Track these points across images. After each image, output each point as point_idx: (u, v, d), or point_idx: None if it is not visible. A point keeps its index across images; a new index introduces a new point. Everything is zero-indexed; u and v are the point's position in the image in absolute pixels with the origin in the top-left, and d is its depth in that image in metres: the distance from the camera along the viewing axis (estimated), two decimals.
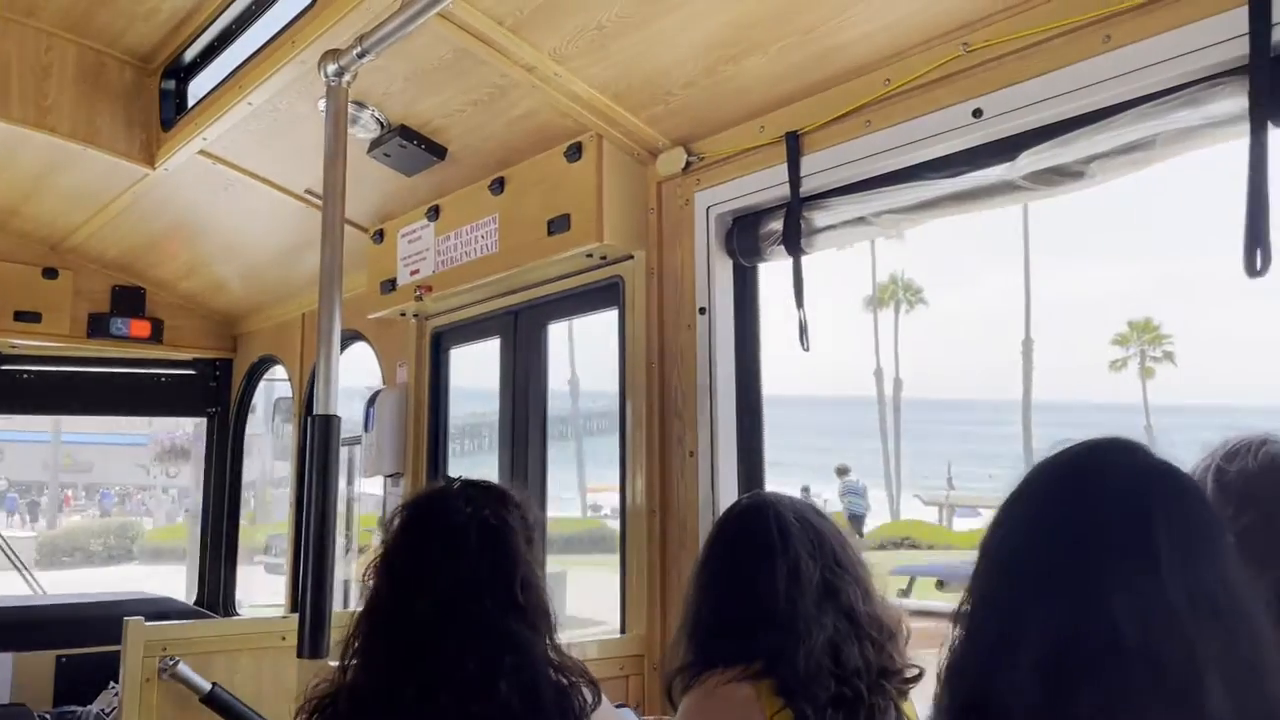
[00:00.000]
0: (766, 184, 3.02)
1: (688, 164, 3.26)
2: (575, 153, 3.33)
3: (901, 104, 2.67)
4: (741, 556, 2.08)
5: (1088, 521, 1.18)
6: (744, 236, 3.15)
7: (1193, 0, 2.09)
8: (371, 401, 4.50)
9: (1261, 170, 2.04)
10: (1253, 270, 2.04)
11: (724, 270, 3.23)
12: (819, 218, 2.93)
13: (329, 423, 2.75)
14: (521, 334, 3.97)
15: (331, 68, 2.85)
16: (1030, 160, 2.41)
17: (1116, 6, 2.20)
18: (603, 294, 3.58)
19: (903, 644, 1.99)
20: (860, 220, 2.86)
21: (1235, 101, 2.08)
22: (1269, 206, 2.03)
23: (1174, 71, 2.16)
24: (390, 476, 4.47)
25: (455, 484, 2.13)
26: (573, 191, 3.35)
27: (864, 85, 2.73)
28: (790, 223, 2.95)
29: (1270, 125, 2.04)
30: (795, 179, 2.91)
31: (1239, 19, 2.03)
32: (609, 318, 3.57)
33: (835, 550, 2.03)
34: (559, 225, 3.38)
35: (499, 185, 3.61)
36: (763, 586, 1.97)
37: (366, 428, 4.49)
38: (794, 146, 2.91)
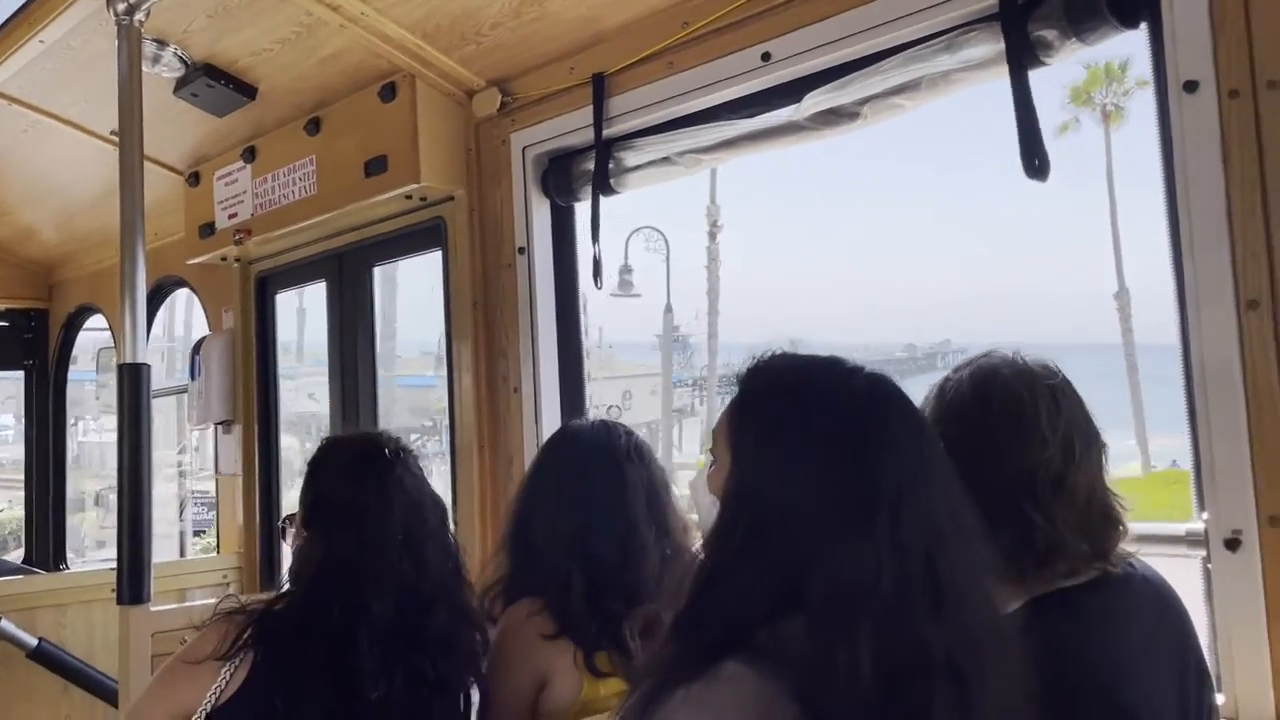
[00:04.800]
0: (578, 124, 3.09)
1: (503, 104, 3.29)
2: (389, 93, 3.31)
3: (699, 47, 2.77)
4: (531, 487, 2.27)
5: (830, 448, 1.21)
6: (559, 176, 3.22)
7: None
8: (197, 349, 4.41)
9: (1028, 106, 2.21)
10: (1037, 175, 2.18)
11: (541, 210, 3.30)
12: (629, 157, 3.03)
13: (138, 371, 2.72)
14: (347, 277, 3.95)
15: (121, 5, 2.76)
16: (813, 102, 2.56)
17: None
18: (426, 235, 3.60)
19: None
20: (666, 160, 2.97)
21: (989, 47, 2.26)
22: (1040, 135, 2.19)
23: (936, 18, 2.32)
24: (221, 424, 4.41)
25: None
26: (389, 132, 3.34)
27: (664, 28, 2.82)
28: (599, 163, 3.04)
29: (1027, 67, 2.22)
30: (602, 119, 2.99)
31: None
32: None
33: (603, 500, 2.13)
34: (376, 166, 3.37)
35: (314, 126, 3.56)
36: (538, 528, 2.17)
37: (193, 375, 4.40)
38: (601, 88, 2.98)
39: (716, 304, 30.89)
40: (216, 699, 1.92)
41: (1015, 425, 1.56)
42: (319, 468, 2.16)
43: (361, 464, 2.10)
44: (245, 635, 1.93)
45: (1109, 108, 33.92)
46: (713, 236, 29.39)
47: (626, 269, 25.58)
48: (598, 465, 2.15)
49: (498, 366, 3.38)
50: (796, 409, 1.27)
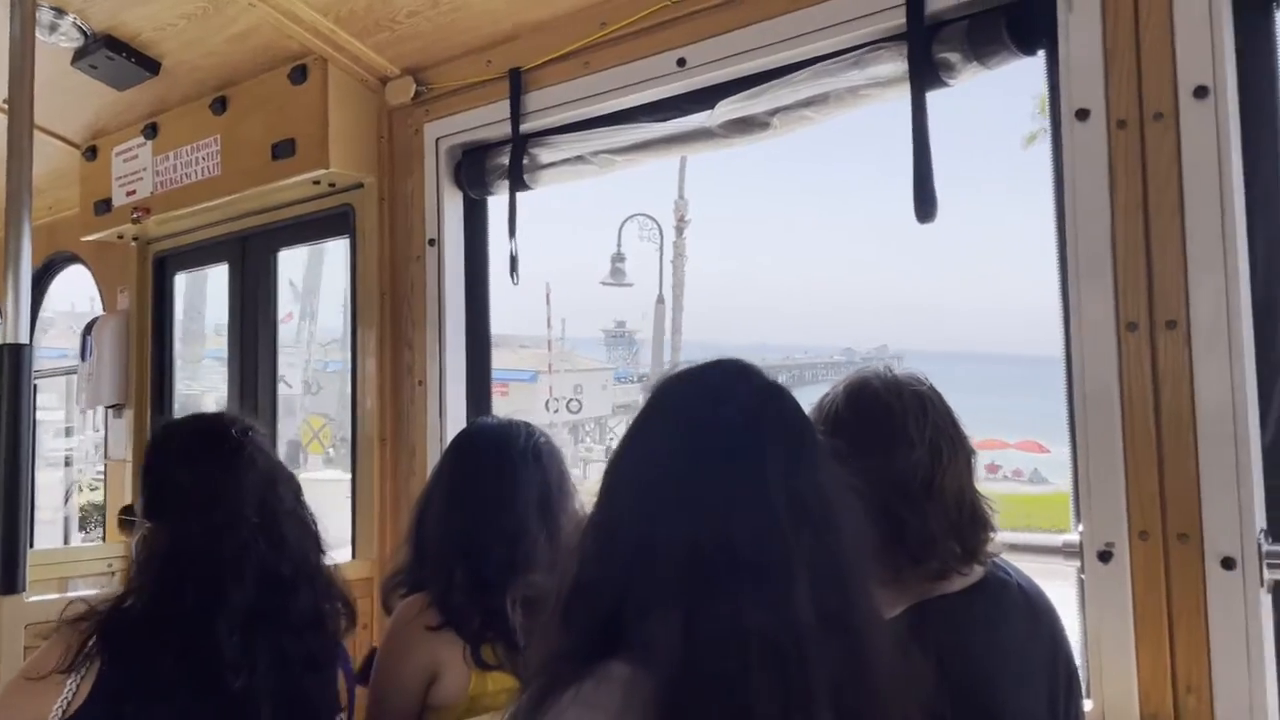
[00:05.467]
0: (493, 118, 3.07)
1: (417, 93, 3.25)
2: (300, 75, 3.24)
3: (616, 49, 2.77)
4: (429, 484, 2.28)
5: (708, 439, 1.25)
6: (472, 169, 3.19)
7: None
8: (88, 329, 4.25)
9: (922, 128, 2.27)
10: (923, 217, 2.28)
11: (454, 202, 3.27)
12: (543, 154, 3.02)
13: (19, 352, 2.60)
14: (250, 261, 3.86)
15: None
16: (725, 109, 2.58)
17: None
18: (333, 222, 3.53)
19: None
20: (580, 159, 2.97)
21: (895, 65, 2.31)
22: (931, 160, 2.28)
23: (846, 34, 2.36)
24: (111, 408, 4.25)
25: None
26: (298, 115, 3.27)
27: (582, 27, 2.82)
28: (514, 158, 3.02)
29: (928, 87, 2.27)
30: (518, 115, 2.98)
31: None
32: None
33: (476, 502, 2.14)
34: (284, 150, 3.29)
35: (220, 105, 3.46)
36: (429, 525, 2.18)
37: (83, 356, 4.24)
38: (518, 83, 2.97)
39: (681, 299, 30.61)
40: (63, 714, 1.81)
41: (885, 430, 1.63)
42: (158, 454, 2.06)
43: (206, 445, 2.01)
44: (89, 643, 1.82)
45: None
46: (679, 231, 28.99)
47: (619, 257, 23.44)
48: (490, 465, 2.16)
49: (403, 359, 3.34)
50: (651, 407, 1.33)
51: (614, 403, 33.07)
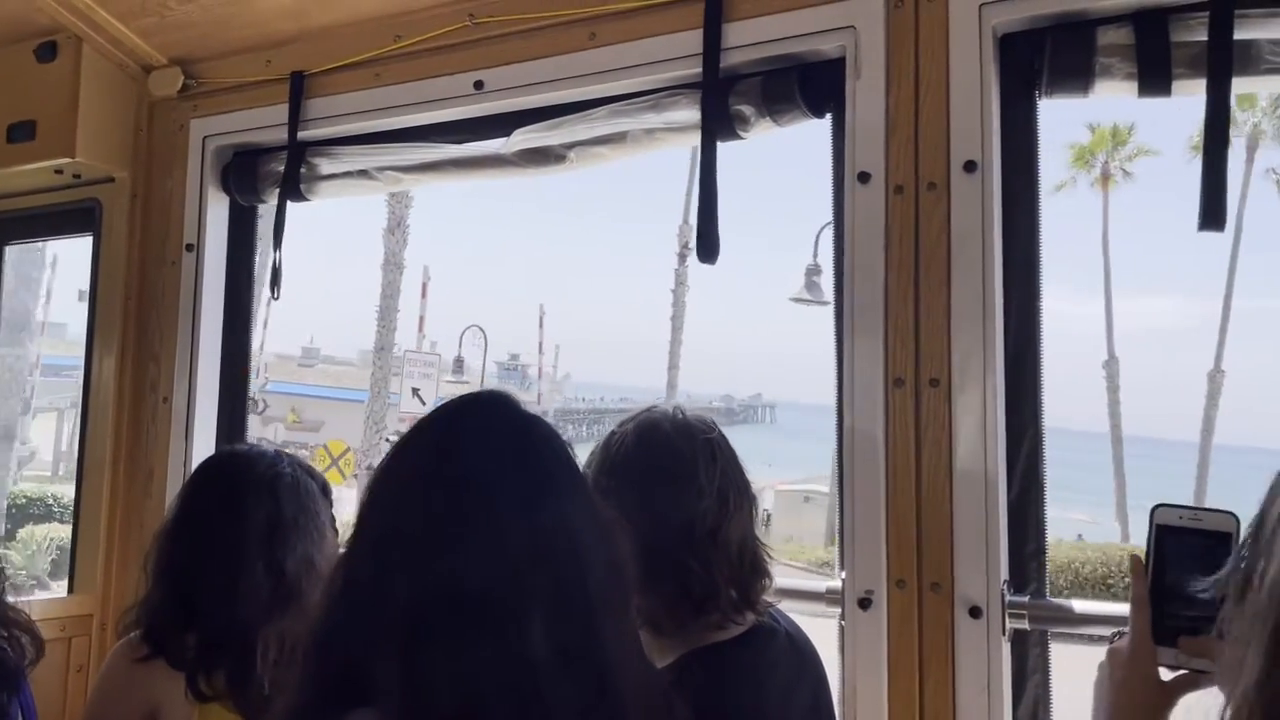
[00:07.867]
0: (270, 121, 2.87)
1: (185, 87, 3.00)
2: (49, 52, 2.92)
3: (410, 64, 2.67)
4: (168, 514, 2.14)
5: (442, 478, 1.22)
6: (242, 174, 2.97)
7: (662, 16, 2.32)
8: None
9: (711, 175, 2.31)
10: (704, 258, 2.30)
11: (219, 206, 3.02)
12: (324, 165, 2.85)
13: None
14: None
15: None
16: (522, 138, 2.53)
17: (601, 8, 2.37)
18: (76, 217, 3.20)
19: None
20: (364, 173, 2.82)
21: (690, 113, 2.34)
22: (717, 207, 2.31)
23: (645, 77, 2.37)
24: None
25: None
26: (42, 96, 2.94)
27: (374, 37, 2.69)
28: (290, 166, 2.84)
29: (718, 138, 2.32)
30: (298, 121, 2.80)
31: (696, 40, 2.28)
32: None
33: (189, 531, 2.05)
34: (22, 132, 2.95)
35: None
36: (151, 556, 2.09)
37: None
38: (299, 87, 2.80)
39: (680, 333, 28.55)
40: None
41: (675, 477, 1.62)
42: None
43: None
44: None
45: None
46: (682, 259, 26.86)
47: (815, 269, 18.72)
48: (219, 493, 2.05)
49: (147, 373, 3.05)
50: (396, 446, 1.30)
51: None
